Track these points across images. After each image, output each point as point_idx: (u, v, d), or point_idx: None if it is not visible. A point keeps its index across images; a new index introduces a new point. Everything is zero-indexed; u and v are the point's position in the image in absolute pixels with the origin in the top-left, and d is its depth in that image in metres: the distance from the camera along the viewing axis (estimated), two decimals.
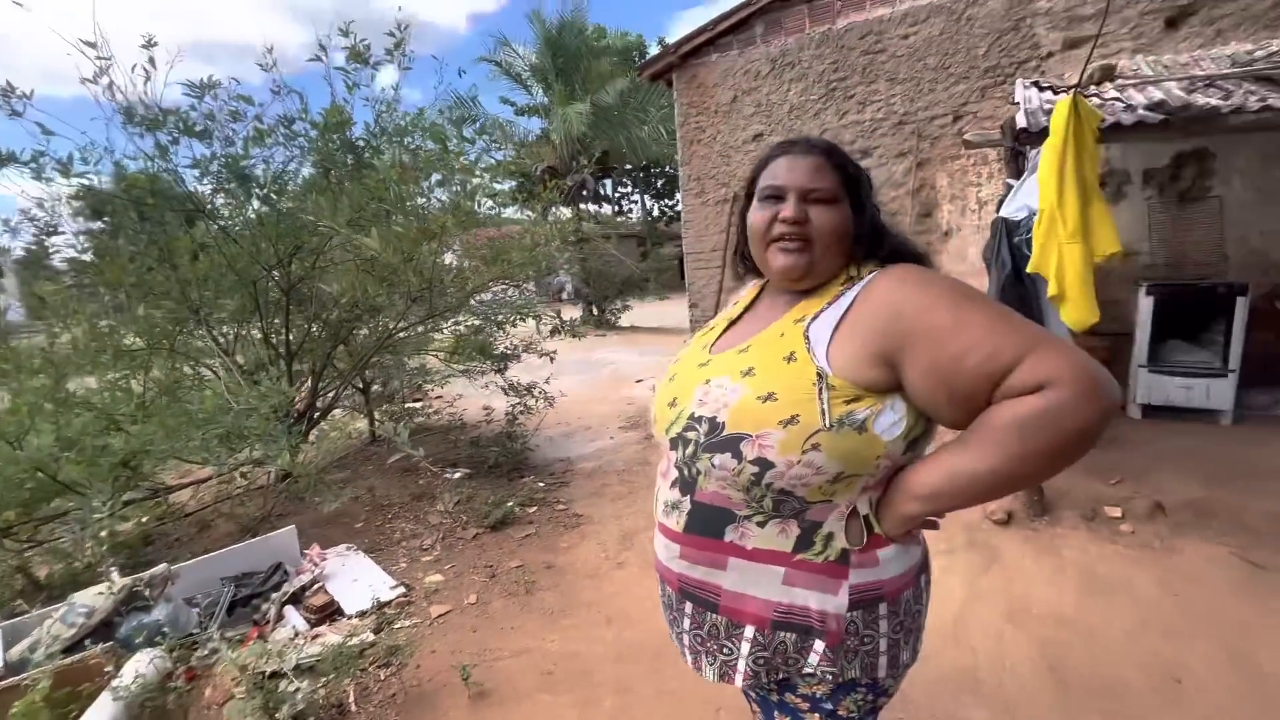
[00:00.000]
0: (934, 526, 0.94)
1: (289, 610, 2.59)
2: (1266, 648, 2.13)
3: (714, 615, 0.93)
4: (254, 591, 2.60)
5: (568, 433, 6.07)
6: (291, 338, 4.12)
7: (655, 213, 37.77)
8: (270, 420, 2.74)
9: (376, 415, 5.60)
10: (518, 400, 5.05)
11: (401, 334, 4.38)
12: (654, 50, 17.17)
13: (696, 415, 0.89)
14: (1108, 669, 2.10)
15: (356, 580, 2.90)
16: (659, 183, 36.38)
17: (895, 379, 0.82)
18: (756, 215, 0.97)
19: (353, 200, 3.25)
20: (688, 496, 0.92)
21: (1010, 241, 3.17)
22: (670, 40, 6.50)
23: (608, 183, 28.96)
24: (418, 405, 6.38)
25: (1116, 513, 3.05)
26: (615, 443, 5.53)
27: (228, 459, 2.86)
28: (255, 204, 3.89)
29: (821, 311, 0.89)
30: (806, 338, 0.87)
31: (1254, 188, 4.20)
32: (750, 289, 1.15)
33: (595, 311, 16.80)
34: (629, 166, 32.30)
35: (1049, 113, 3.13)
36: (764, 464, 0.81)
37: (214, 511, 3.83)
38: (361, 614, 2.64)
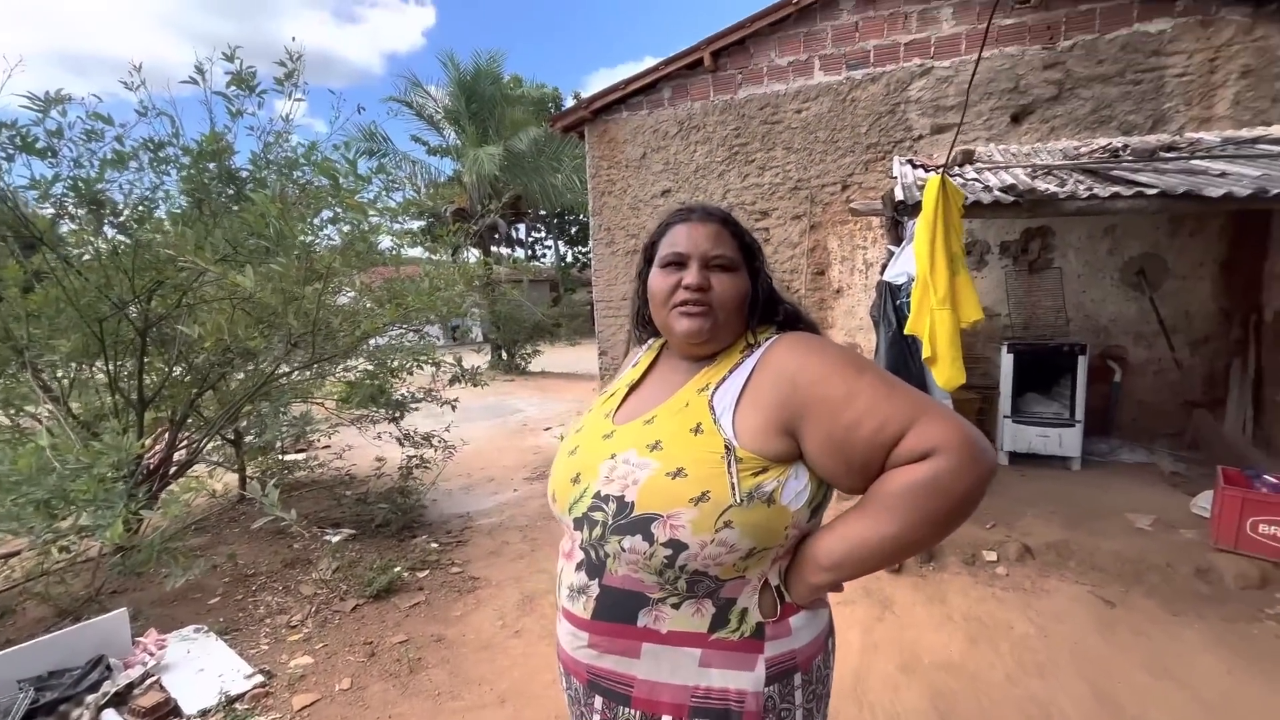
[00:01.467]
0: (839, 589, 0.93)
1: (108, 715, 2.15)
2: (1124, 685, 2.30)
3: (627, 709, 0.86)
4: (63, 695, 2.14)
5: (468, 485, 5.75)
6: (149, 382, 3.63)
7: (569, 258, 38.16)
8: (106, 481, 2.34)
9: (249, 469, 5.02)
10: (414, 453, 4.71)
11: (282, 379, 3.99)
12: (569, 103, 17.65)
13: (603, 494, 0.85)
14: (993, 714, 2.18)
15: (203, 670, 2.48)
16: (572, 229, 36.94)
17: (796, 448, 0.82)
18: (658, 280, 0.97)
19: (227, 234, 2.96)
20: (595, 580, 0.86)
21: (894, 303, 3.42)
22: (585, 95, 6.66)
23: (520, 227, 28.96)
24: (300, 457, 5.81)
25: (992, 556, 3.26)
26: (519, 495, 5.29)
27: (45, 530, 2.40)
28: (110, 233, 3.45)
29: (724, 380, 0.89)
30: (711, 408, 0.86)
31: (1083, 261, 4.86)
32: (647, 352, 1.12)
33: (504, 356, 16.42)
34: (543, 212, 32.62)
35: (922, 188, 3.46)
36: (677, 545, 0.79)
37: (22, 592, 3.20)
38: (204, 713, 2.24)
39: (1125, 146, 4.11)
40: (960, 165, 4.28)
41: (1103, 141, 4.48)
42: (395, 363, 4.37)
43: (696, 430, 0.84)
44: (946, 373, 2.64)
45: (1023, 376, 4.59)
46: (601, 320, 6.60)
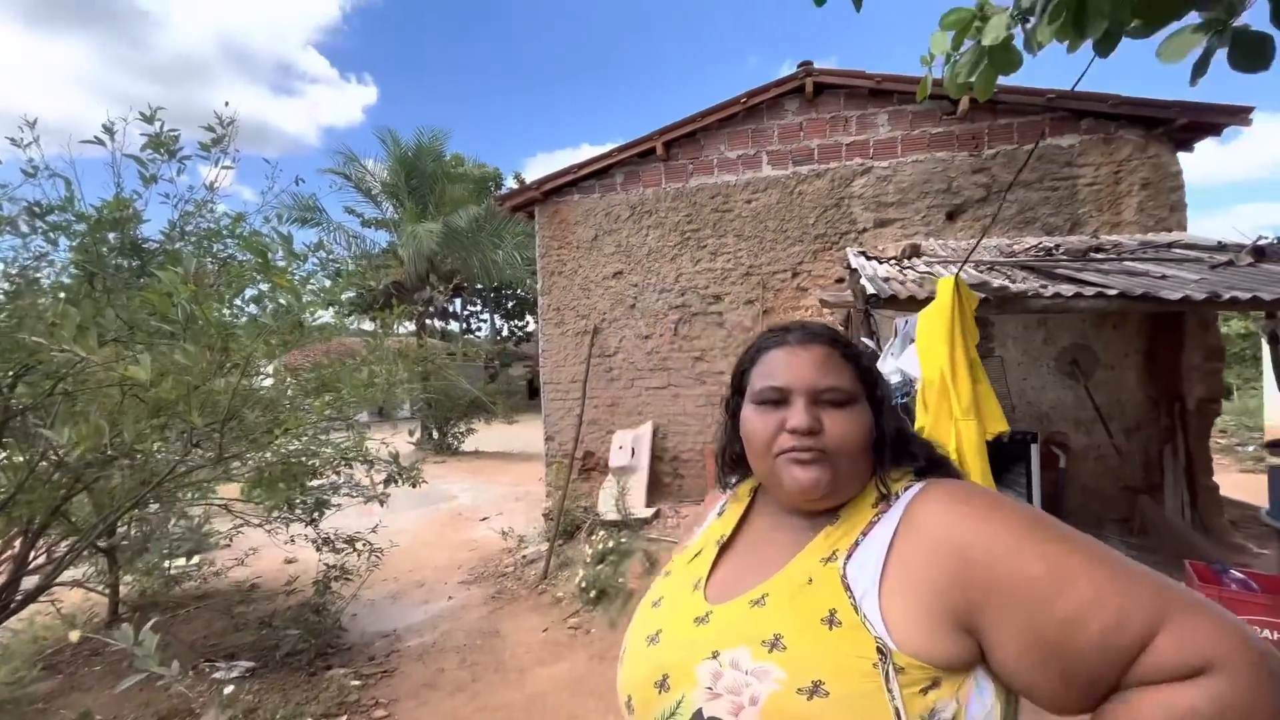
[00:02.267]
0: None
1: None
2: None
3: None
4: None
5: (396, 592, 5.07)
6: (1, 481, 2.96)
7: (505, 332, 37.70)
8: None
9: (124, 586, 4.20)
10: (333, 562, 4.10)
11: (177, 480, 3.38)
12: (510, 183, 17.88)
13: (708, 717, 0.60)
14: None
15: None
16: (509, 303, 36.75)
17: (975, 649, 0.58)
18: (756, 421, 0.75)
19: (124, 313, 2.51)
20: None
21: None
22: (527, 176, 6.62)
23: (457, 301, 28.49)
24: (190, 562, 4.95)
25: None
26: (454, 604, 4.69)
27: None
28: None
29: (856, 546, 0.67)
30: (847, 588, 0.63)
31: (1021, 349, 5.07)
32: (735, 500, 0.86)
33: (436, 435, 15.51)
34: (479, 286, 32.34)
35: (887, 280, 3.47)
36: None
37: None
38: None
39: (1058, 246, 4.39)
40: (909, 258, 4.43)
41: (1033, 240, 4.79)
42: (315, 462, 3.84)
43: (831, 621, 0.61)
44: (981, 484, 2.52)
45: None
46: (549, 404, 6.27)
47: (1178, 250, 3.96)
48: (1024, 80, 4.81)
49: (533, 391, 35.98)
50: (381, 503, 4.38)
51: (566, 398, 6.19)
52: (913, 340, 2.49)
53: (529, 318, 38.10)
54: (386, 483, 4.15)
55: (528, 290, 33.43)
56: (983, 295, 2.83)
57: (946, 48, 1.36)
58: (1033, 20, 1.20)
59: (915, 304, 3.01)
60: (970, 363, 2.20)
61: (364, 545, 4.27)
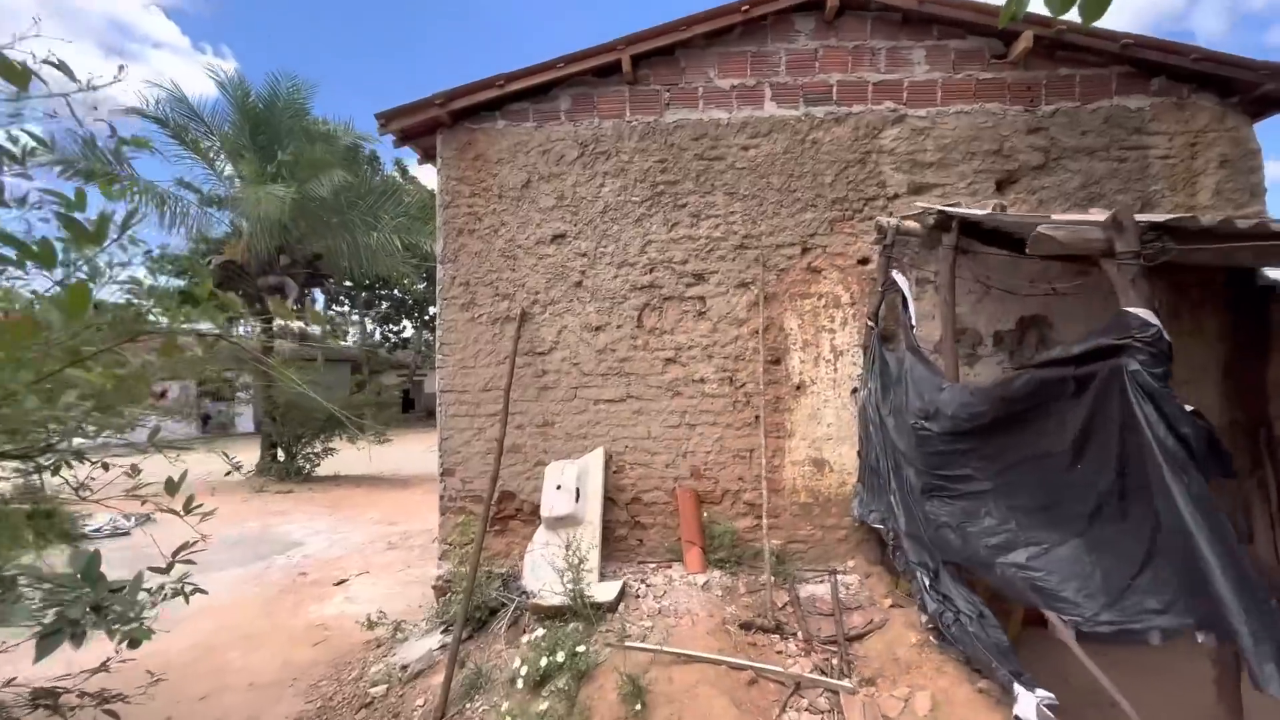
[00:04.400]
0: None
1: None
2: None
3: None
4: None
5: None
6: None
7: (377, 337, 33.52)
8: None
9: None
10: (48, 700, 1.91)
11: None
12: (391, 167, 14.93)
13: None
14: None
15: None
16: (383, 304, 32.74)
17: None
18: None
19: None
20: None
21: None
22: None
23: (318, 295, 24.50)
24: None
25: None
26: None
27: None
28: None
29: None
30: None
31: None
32: None
33: (281, 457, 12.41)
34: (349, 284, 28.37)
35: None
36: None
37: None
38: None
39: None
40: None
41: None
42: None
43: None
44: None
45: None
46: (449, 421, 4.28)
47: None
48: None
49: (408, 404, 32.17)
50: (169, 568, 2.25)
51: (475, 413, 4.25)
52: None
53: (406, 323, 34.24)
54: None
55: (408, 289, 29.89)
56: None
57: None
58: None
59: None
60: None
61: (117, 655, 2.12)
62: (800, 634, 3.29)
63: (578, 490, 3.91)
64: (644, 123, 4.22)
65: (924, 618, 2.87)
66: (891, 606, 3.44)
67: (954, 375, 3.00)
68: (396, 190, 13.54)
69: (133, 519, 8.44)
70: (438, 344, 4.35)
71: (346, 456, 13.19)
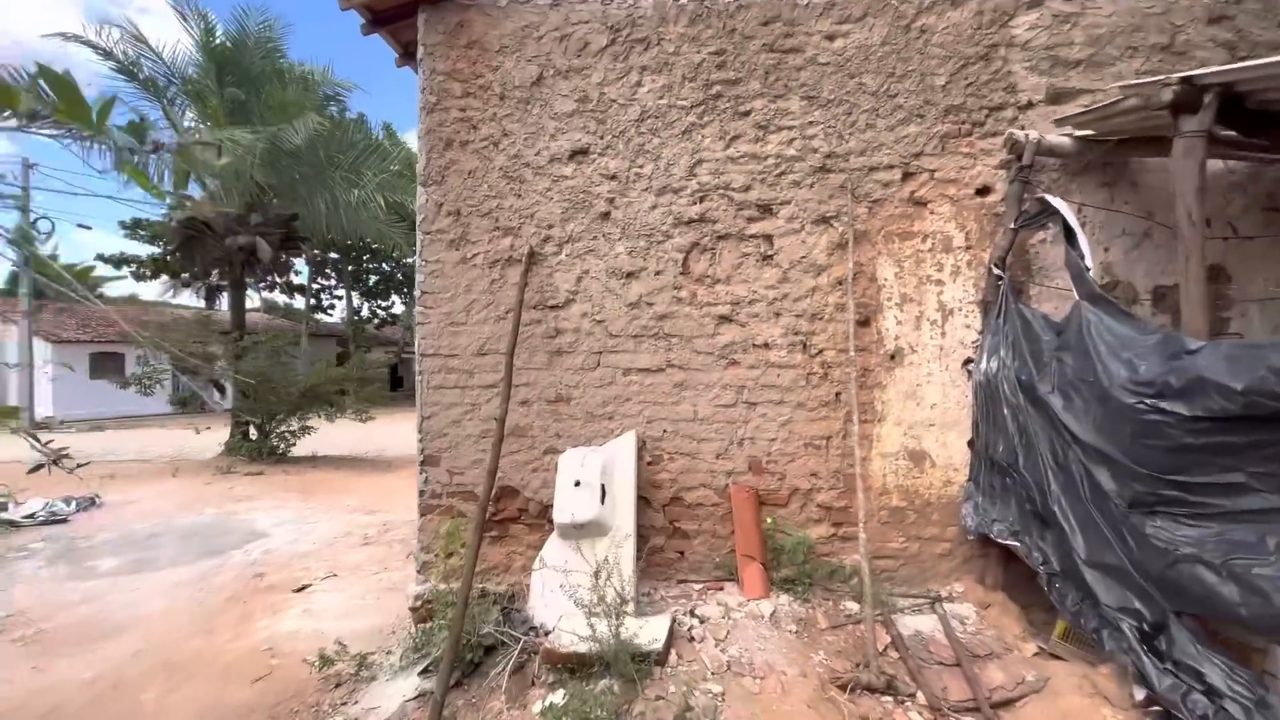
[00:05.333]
0: None
1: None
2: None
3: None
4: None
5: None
6: None
7: (365, 313, 32.24)
8: None
9: None
10: None
11: None
12: (378, 130, 13.59)
13: None
14: None
15: None
16: (371, 278, 31.40)
17: None
18: None
19: None
20: None
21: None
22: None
23: (298, 264, 23.18)
24: None
25: None
26: None
27: None
28: None
29: None
30: None
31: (1273, 323, 3.06)
32: None
33: (254, 434, 11.38)
34: (333, 254, 27.03)
35: None
36: None
37: None
38: None
39: None
40: None
41: None
42: None
43: None
44: None
45: None
46: (431, 394, 3.28)
47: None
48: None
49: (396, 382, 30.99)
50: None
51: (467, 384, 3.25)
52: None
53: (395, 298, 32.87)
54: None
55: (396, 261, 28.49)
56: None
57: None
58: None
59: None
60: None
61: None
62: (920, 696, 2.36)
63: (602, 488, 2.93)
64: (694, 2, 3.17)
65: (1137, 693, 1.93)
66: (1039, 655, 2.51)
67: (1203, 330, 2.02)
68: (379, 147, 12.29)
69: (73, 503, 7.40)
70: (418, 293, 3.33)
71: (327, 435, 12.15)
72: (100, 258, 25.24)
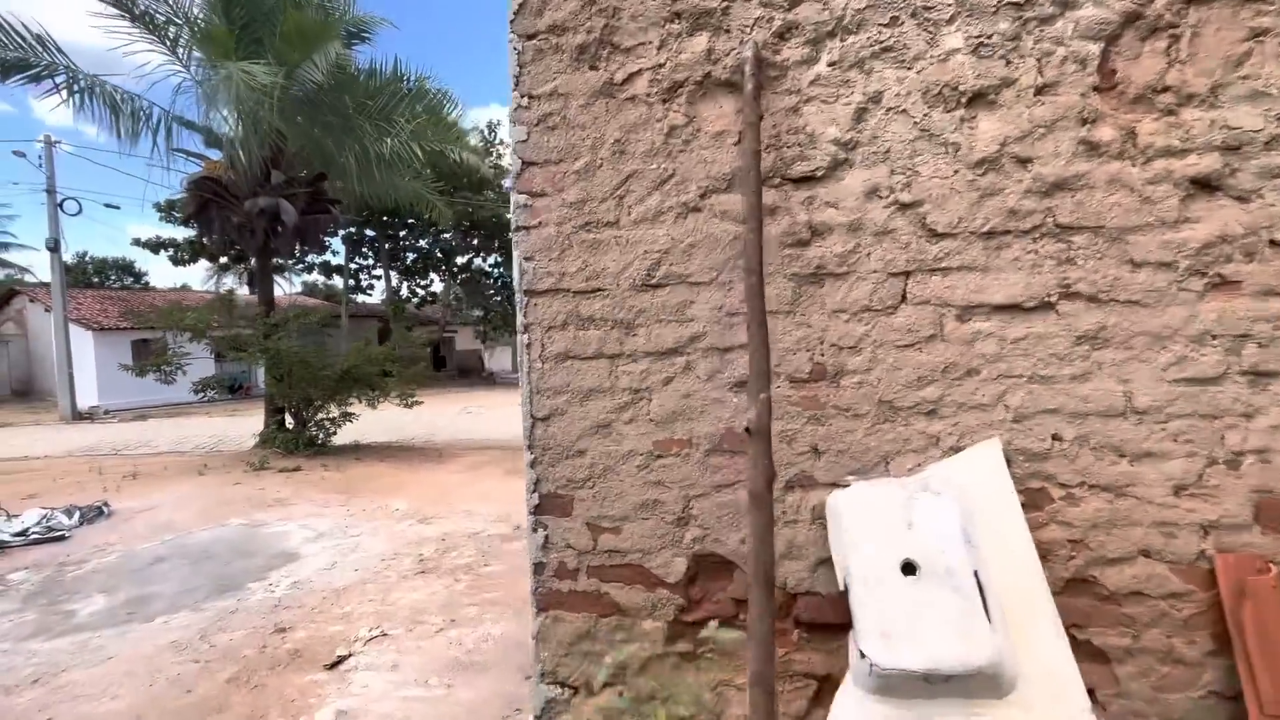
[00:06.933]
0: None
1: None
2: None
3: None
4: None
5: None
6: None
7: (404, 292, 31.25)
8: None
9: None
10: None
11: None
12: (414, 77, 11.63)
13: None
14: None
15: None
16: (408, 256, 30.30)
17: None
18: None
19: None
20: None
21: None
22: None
23: (335, 243, 22.05)
24: None
25: None
26: None
27: None
28: None
29: None
30: None
31: None
32: None
33: (291, 423, 10.20)
34: (370, 234, 25.87)
35: None
36: None
37: None
38: None
39: None
40: None
41: None
42: None
43: None
44: None
45: None
46: (549, 369, 1.63)
47: None
48: None
49: (438, 361, 29.99)
50: None
51: (621, 349, 1.59)
52: None
53: (433, 276, 31.67)
54: None
55: (434, 230, 27.07)
56: None
57: None
58: None
59: None
60: None
61: None
62: None
63: (976, 579, 1.24)
64: None
65: None
66: None
67: None
68: (411, 93, 10.59)
69: (76, 514, 6.21)
70: (512, 173, 1.66)
71: (368, 421, 10.88)
72: (136, 242, 24.72)
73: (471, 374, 30.23)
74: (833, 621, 1.55)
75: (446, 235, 28.51)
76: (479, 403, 19.62)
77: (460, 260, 30.52)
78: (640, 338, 1.58)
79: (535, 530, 1.64)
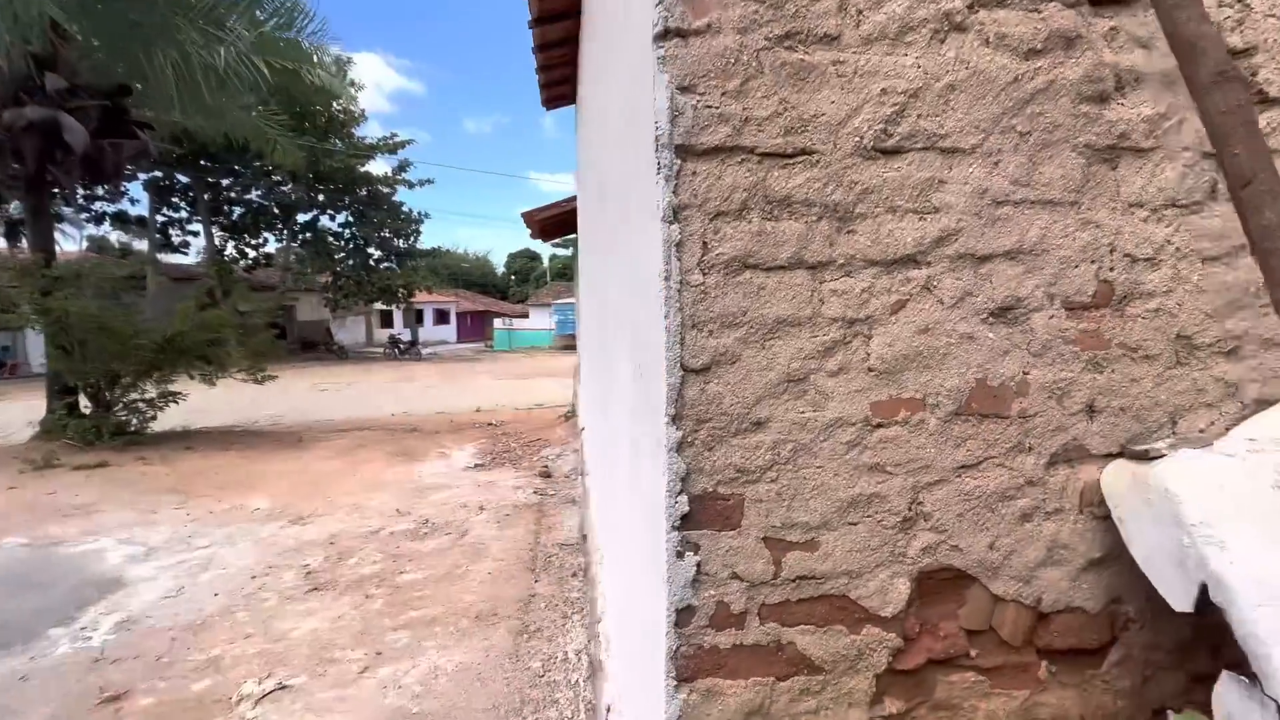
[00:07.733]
0: None
1: None
2: None
3: None
4: None
5: None
6: None
7: (230, 253, 26.56)
8: None
9: None
10: None
11: None
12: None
13: None
14: None
15: None
16: (234, 210, 25.74)
17: None
18: None
19: None
20: None
21: None
22: None
23: (140, 192, 17.89)
24: None
25: None
26: None
27: None
28: None
29: None
30: None
31: None
32: None
33: (91, 406, 8.03)
34: (181, 149, 21.45)
35: None
36: None
37: None
38: None
39: None
40: None
41: None
42: None
43: None
44: None
45: None
46: (711, 284, 0.96)
47: None
48: None
49: (305, 345, 25.96)
50: None
51: (830, 254, 0.97)
52: None
53: (266, 235, 27.17)
54: None
55: (267, 174, 23.04)
56: None
57: None
58: None
59: None
60: None
61: None
62: None
63: None
64: None
65: None
66: None
67: None
68: None
69: None
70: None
71: (199, 400, 8.88)
72: None
73: (317, 347, 26.73)
74: (1087, 646, 1.12)
75: (285, 187, 24.61)
76: (331, 379, 17.31)
77: (302, 218, 26.60)
78: (862, 236, 0.98)
79: (681, 557, 0.98)
